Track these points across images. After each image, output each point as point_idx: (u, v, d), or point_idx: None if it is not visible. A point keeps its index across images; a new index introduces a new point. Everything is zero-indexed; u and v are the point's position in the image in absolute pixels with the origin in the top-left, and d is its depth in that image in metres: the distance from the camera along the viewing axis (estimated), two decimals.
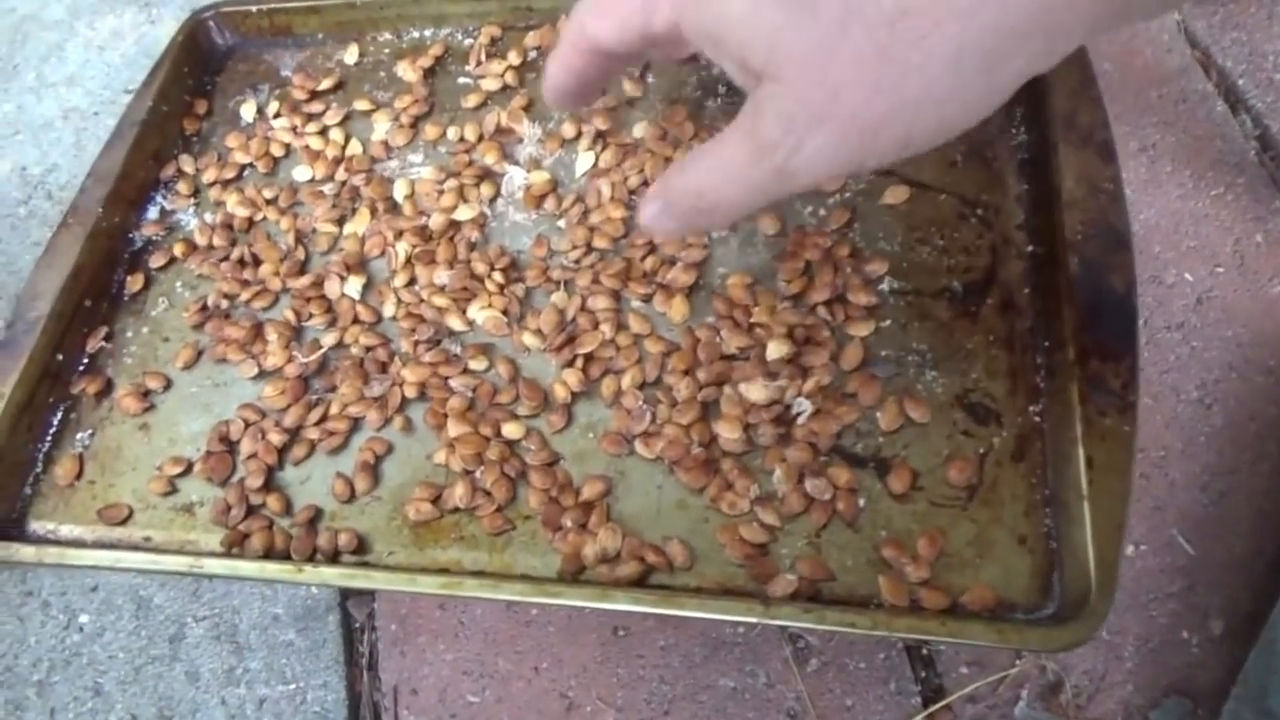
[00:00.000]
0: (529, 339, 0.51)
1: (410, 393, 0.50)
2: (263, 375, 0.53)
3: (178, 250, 0.58)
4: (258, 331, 0.54)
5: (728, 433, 0.46)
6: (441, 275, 0.53)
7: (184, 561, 0.46)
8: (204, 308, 0.55)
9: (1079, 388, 0.43)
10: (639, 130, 0.56)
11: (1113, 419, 0.42)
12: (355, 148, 0.60)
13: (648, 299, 0.51)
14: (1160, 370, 0.56)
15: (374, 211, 0.57)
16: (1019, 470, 0.44)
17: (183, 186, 0.61)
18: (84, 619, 0.59)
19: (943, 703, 0.50)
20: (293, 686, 0.56)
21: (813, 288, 0.49)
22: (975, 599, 0.41)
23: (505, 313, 0.51)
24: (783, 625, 0.40)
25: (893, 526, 0.44)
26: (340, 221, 0.57)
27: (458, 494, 0.47)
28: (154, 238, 0.60)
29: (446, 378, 0.50)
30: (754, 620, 0.40)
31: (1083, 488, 0.41)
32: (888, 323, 0.48)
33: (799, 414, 0.46)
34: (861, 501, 0.44)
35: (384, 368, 0.51)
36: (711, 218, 0.35)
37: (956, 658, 0.52)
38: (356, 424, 0.50)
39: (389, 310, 0.53)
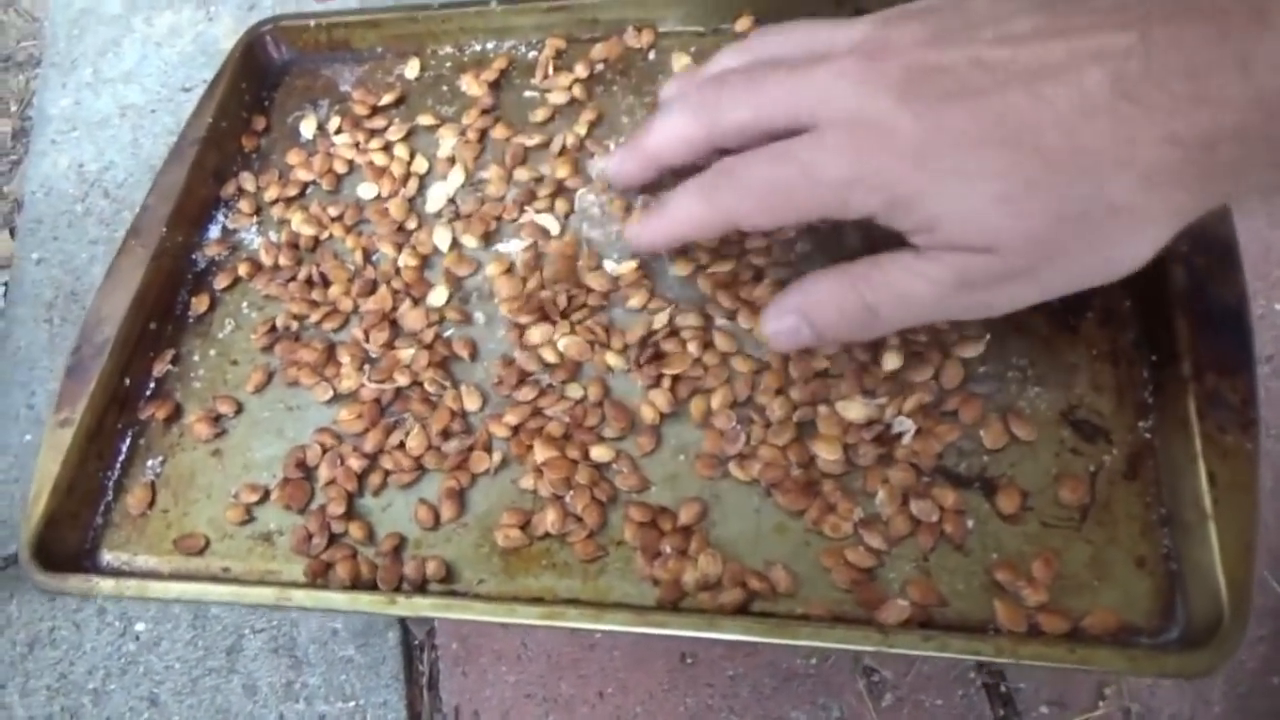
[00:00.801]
0: (612, 359, 0.49)
1: (502, 432, 0.48)
2: (337, 399, 0.52)
3: (242, 270, 0.57)
4: (330, 354, 0.53)
5: (827, 453, 0.45)
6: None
7: (270, 594, 0.44)
8: (273, 329, 0.54)
9: (1196, 403, 0.41)
10: None
11: (1234, 436, 0.41)
12: (421, 164, 0.59)
13: (732, 316, 0.50)
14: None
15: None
16: (1132, 489, 0.43)
17: (245, 205, 0.60)
18: (140, 627, 0.58)
19: None
20: (352, 704, 0.55)
21: None
22: (1097, 623, 0.40)
23: (591, 334, 0.50)
24: (901, 654, 0.39)
25: (1004, 549, 0.43)
26: (399, 245, 0.56)
27: (549, 520, 0.46)
28: (217, 258, 0.59)
29: (543, 409, 0.48)
30: (871, 649, 0.39)
31: (1206, 506, 0.39)
32: (987, 338, 0.47)
33: (901, 433, 0.45)
34: (970, 523, 0.43)
35: (453, 417, 0.50)
36: (874, 330, 0.39)
37: (1036, 696, 0.50)
38: (425, 468, 0.49)
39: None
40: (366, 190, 0.59)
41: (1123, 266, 0.34)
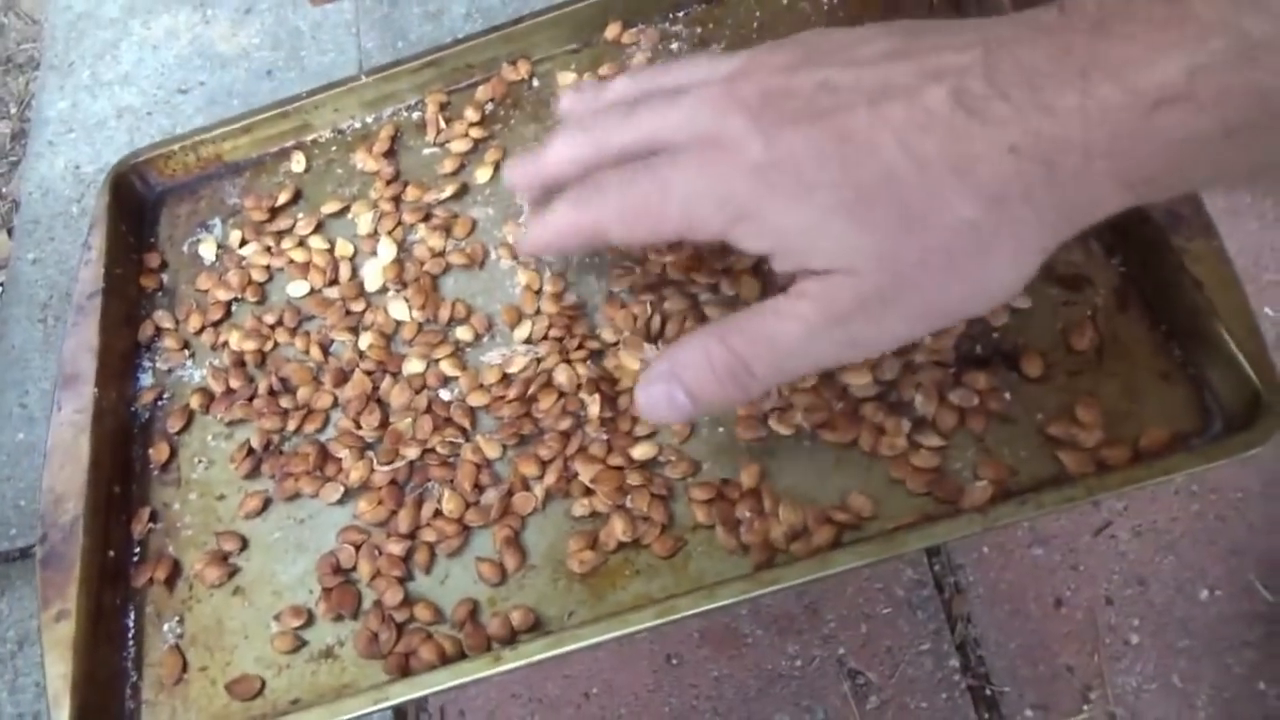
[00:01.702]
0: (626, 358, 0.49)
1: (534, 471, 0.47)
2: (349, 495, 0.49)
3: (195, 404, 0.53)
4: (324, 454, 0.50)
5: (857, 380, 0.46)
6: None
7: (367, 699, 0.41)
8: (250, 452, 0.51)
9: (1156, 227, 0.45)
10: None
11: (1199, 241, 0.44)
12: (345, 248, 0.57)
13: (714, 288, 0.50)
14: None
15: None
16: (1130, 318, 0.46)
17: (170, 342, 0.56)
18: None
19: None
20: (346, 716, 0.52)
21: None
22: (1151, 441, 0.43)
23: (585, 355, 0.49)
24: (1003, 524, 0.40)
25: (1046, 407, 0.45)
26: (355, 329, 0.54)
27: (618, 530, 0.45)
28: (159, 402, 0.55)
29: (584, 448, 0.47)
30: (977, 530, 0.40)
31: (1203, 306, 0.43)
32: None
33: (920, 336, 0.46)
34: (1007, 395, 0.45)
35: (479, 469, 0.48)
36: (750, 386, 0.36)
37: (1021, 699, 0.52)
38: (470, 528, 0.47)
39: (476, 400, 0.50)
40: (297, 289, 0.56)
41: (990, 292, 0.34)
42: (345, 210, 0.59)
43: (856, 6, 0.58)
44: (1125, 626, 0.51)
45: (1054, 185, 0.30)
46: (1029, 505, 0.40)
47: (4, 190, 0.86)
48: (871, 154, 0.32)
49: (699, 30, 0.59)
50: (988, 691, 0.51)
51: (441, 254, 0.55)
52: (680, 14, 0.60)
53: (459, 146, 0.59)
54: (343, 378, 0.52)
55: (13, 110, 0.91)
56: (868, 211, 0.32)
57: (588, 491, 0.46)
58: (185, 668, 0.46)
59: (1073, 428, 0.43)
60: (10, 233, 0.81)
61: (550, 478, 0.47)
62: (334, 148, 0.62)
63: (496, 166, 0.58)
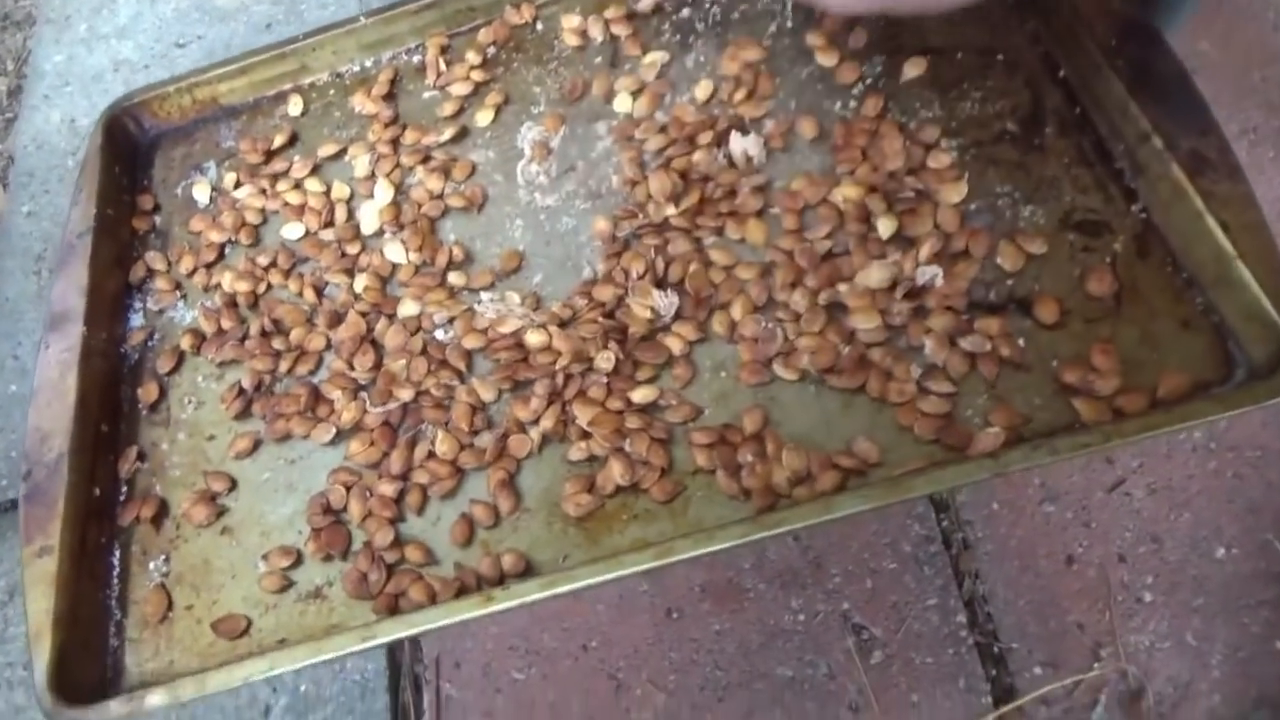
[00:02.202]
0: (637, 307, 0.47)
1: (527, 414, 0.46)
2: (340, 436, 0.47)
3: (186, 345, 0.52)
4: (315, 396, 0.49)
5: (865, 323, 0.44)
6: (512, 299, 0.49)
7: (354, 637, 0.40)
8: (241, 392, 0.50)
9: (1182, 169, 0.43)
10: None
11: (1226, 184, 0.43)
12: (342, 190, 0.56)
13: (720, 231, 0.49)
14: None
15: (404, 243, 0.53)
16: (1150, 265, 0.44)
17: (162, 283, 0.55)
18: None
19: (1015, 704, 0.49)
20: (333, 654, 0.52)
21: (882, 164, 0.48)
22: (1170, 389, 0.41)
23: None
24: (1013, 470, 0.39)
25: (1061, 354, 0.43)
26: (350, 272, 0.53)
27: (616, 473, 0.43)
28: (150, 343, 0.53)
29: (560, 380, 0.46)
30: (987, 475, 0.39)
31: (1229, 251, 0.41)
32: (965, 177, 0.48)
33: (930, 281, 0.45)
34: (1021, 342, 0.44)
35: (474, 411, 0.47)
36: None
37: (1030, 656, 0.50)
38: (464, 470, 0.46)
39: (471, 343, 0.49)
40: (291, 231, 0.55)
41: None
42: (342, 153, 0.58)
43: None
44: (1138, 584, 0.50)
45: None
46: (1042, 450, 0.39)
47: (0, 146, 0.85)
48: None
49: None
50: (995, 648, 0.49)
51: (440, 196, 0.54)
52: None
53: (459, 90, 0.58)
54: (336, 319, 0.51)
55: (9, 67, 0.90)
56: None
57: (585, 435, 0.45)
58: (170, 606, 0.45)
59: (1089, 375, 0.42)
60: (4, 186, 0.80)
61: (547, 421, 0.45)
62: (332, 91, 0.61)
63: (497, 110, 0.57)
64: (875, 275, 0.45)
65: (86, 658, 0.43)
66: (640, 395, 0.45)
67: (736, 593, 0.51)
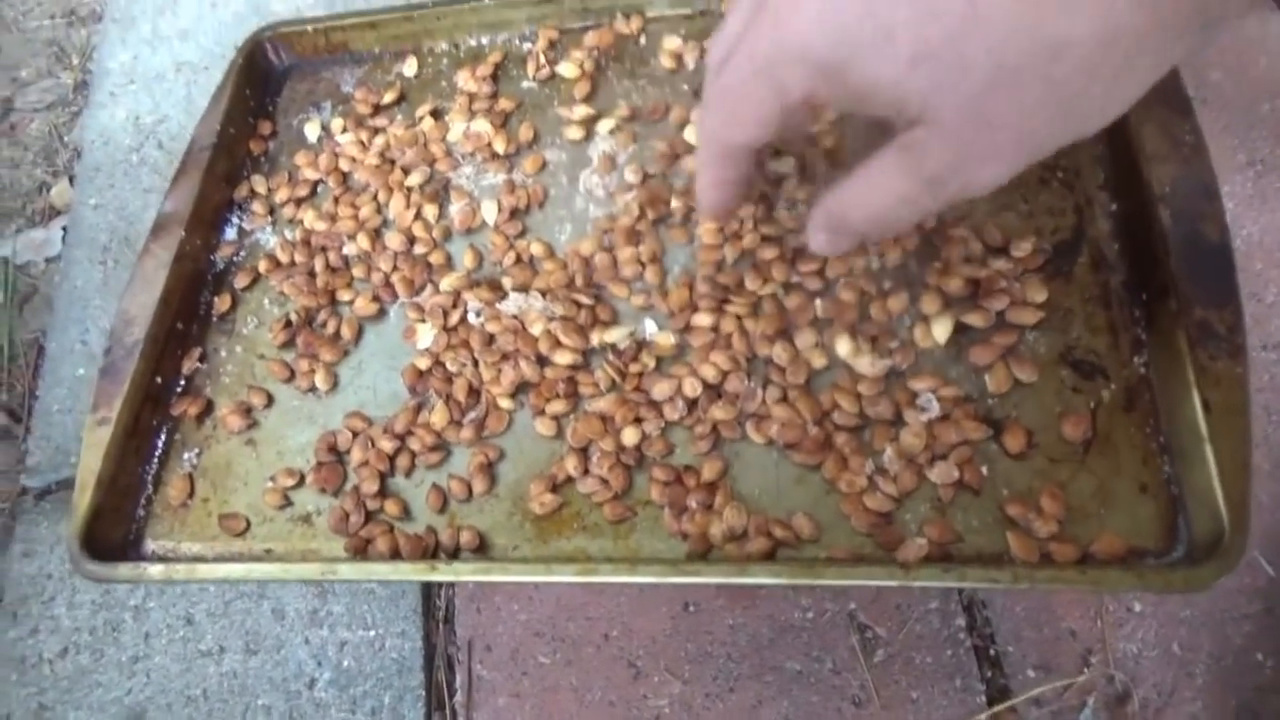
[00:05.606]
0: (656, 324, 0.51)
1: (500, 391, 0.51)
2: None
3: (262, 267, 0.59)
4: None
5: (846, 404, 0.47)
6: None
7: (315, 568, 0.46)
8: (288, 324, 0.56)
9: (1186, 335, 0.43)
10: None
11: (1224, 363, 0.43)
12: (437, 149, 0.61)
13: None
14: (1254, 389, 0.55)
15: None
16: (1131, 420, 0.45)
17: (258, 206, 0.62)
18: None
19: (1007, 704, 0.51)
20: (372, 633, 0.59)
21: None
22: (1105, 548, 0.42)
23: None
24: (923, 586, 0.41)
25: (1014, 485, 0.45)
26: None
27: (569, 466, 0.47)
28: (235, 258, 0.60)
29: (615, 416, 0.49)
30: (894, 584, 0.41)
31: (1202, 430, 0.42)
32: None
33: (924, 410, 0.46)
34: (984, 470, 0.45)
35: (474, 393, 0.52)
36: (873, 235, 0.41)
37: (1024, 660, 0.52)
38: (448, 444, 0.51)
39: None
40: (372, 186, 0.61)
41: (1100, 119, 0.32)
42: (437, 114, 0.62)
43: None
44: (1128, 595, 0.53)
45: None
46: (952, 575, 0.41)
47: (66, 139, 0.89)
48: None
49: None
50: (991, 651, 0.52)
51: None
52: None
53: (568, 71, 0.62)
54: (385, 281, 0.56)
55: (75, 61, 0.94)
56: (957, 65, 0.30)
57: (554, 420, 0.49)
58: (192, 494, 0.52)
59: (1031, 513, 0.43)
60: (72, 180, 0.85)
61: (532, 398, 0.50)
62: (445, 60, 0.65)
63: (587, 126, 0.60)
64: (865, 365, 0.47)
65: (116, 520, 0.51)
66: (629, 437, 0.48)
67: (749, 591, 0.55)
